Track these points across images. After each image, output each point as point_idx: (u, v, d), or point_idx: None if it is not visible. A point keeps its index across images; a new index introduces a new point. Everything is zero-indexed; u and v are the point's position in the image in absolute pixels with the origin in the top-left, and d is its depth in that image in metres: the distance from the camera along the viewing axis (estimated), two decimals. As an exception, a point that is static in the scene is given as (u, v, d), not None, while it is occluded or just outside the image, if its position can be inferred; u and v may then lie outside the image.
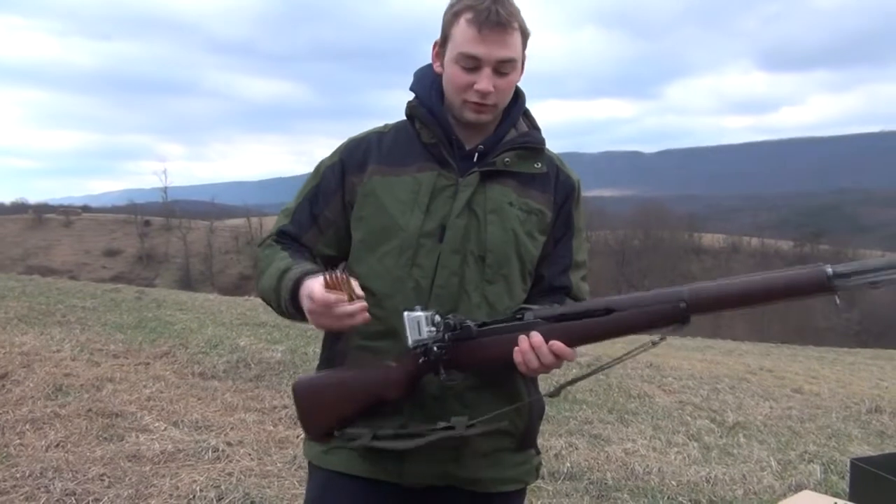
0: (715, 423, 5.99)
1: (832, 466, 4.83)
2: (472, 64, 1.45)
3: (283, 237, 1.60)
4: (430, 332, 1.36)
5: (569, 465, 4.29)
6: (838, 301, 1.22)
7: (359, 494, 1.49)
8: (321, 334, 1.61)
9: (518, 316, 1.38)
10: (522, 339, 1.34)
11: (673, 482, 4.19)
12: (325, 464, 1.52)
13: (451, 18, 1.47)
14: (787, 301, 1.25)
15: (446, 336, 1.37)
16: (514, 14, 1.45)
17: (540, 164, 1.56)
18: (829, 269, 1.19)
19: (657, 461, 4.56)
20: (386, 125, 1.62)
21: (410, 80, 1.60)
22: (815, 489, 4.04)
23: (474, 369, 1.42)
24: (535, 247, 1.54)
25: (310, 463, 1.58)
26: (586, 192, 1.65)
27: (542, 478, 4.09)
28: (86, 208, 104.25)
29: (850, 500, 1.96)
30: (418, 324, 1.36)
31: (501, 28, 1.43)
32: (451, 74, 1.48)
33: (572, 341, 1.34)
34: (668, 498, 3.91)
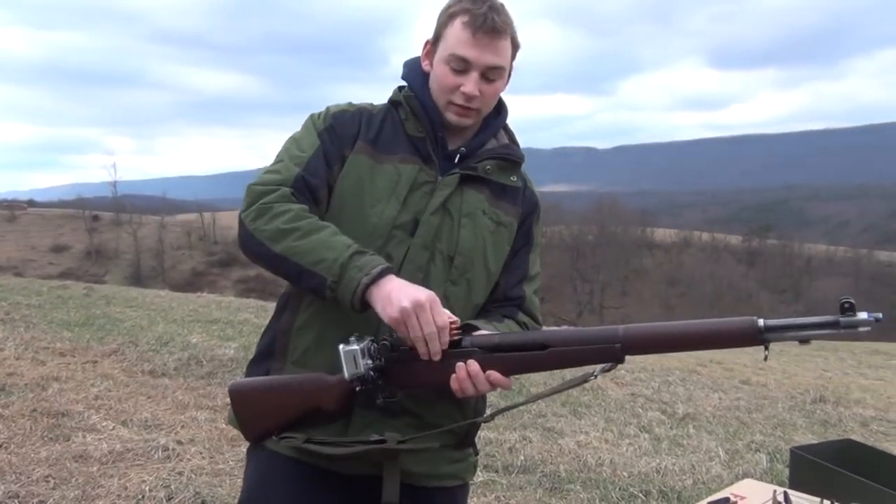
0: (665, 415, 6.09)
1: (777, 455, 4.95)
2: (461, 66, 1.47)
3: (301, 190, 1.46)
4: (367, 364, 1.36)
5: (522, 458, 4.32)
6: (767, 353, 1.26)
7: (300, 476, 1.48)
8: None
9: (455, 339, 1.37)
10: (460, 366, 1.35)
11: (624, 473, 4.26)
12: (267, 443, 1.51)
13: (445, 19, 1.50)
14: (719, 348, 1.32)
15: (383, 359, 1.37)
16: (509, 24, 1.49)
17: (515, 178, 1.60)
18: (761, 323, 1.24)
19: (609, 453, 4.63)
20: (372, 104, 1.61)
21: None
22: (760, 478, 4.14)
23: (411, 389, 1.43)
24: (500, 258, 1.56)
25: (250, 445, 1.56)
26: (541, 188, 1.68)
27: (497, 471, 4.12)
28: (31, 203, 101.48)
29: (790, 487, 2.02)
30: (354, 358, 1.35)
31: (495, 34, 1.46)
32: (440, 74, 1.50)
33: (508, 371, 1.37)
34: (620, 489, 3.97)
